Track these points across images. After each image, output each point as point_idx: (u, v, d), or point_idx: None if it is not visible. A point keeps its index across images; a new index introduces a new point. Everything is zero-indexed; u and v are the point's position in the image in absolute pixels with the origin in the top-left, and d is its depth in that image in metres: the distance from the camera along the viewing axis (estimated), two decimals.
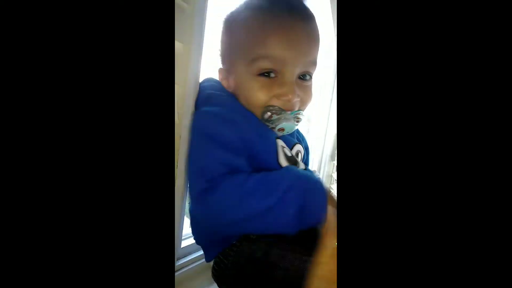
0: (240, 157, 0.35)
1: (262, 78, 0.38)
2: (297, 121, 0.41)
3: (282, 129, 0.40)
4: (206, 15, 0.36)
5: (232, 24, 0.40)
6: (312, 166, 0.90)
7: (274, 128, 0.40)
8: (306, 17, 0.38)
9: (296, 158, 0.42)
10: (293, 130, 0.42)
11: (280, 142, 0.40)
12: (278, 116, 0.39)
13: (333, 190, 0.89)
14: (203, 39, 0.37)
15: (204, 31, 0.37)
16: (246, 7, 0.39)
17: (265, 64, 0.37)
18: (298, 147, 0.46)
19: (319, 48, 0.41)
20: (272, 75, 0.38)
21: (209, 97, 0.39)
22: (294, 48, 0.37)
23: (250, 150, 0.36)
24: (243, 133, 0.36)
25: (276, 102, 0.38)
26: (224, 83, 0.43)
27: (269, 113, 0.39)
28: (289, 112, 0.39)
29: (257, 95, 0.38)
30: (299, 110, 0.40)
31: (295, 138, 0.49)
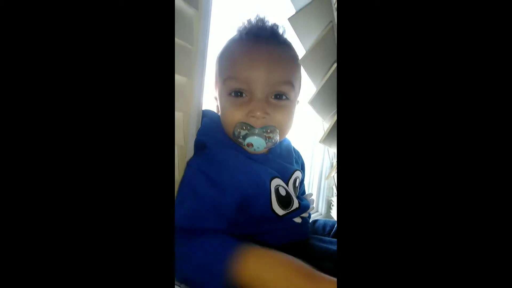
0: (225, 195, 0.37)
1: (233, 98, 0.41)
2: (269, 139, 0.41)
3: (250, 144, 0.41)
4: (207, 55, 0.43)
5: (217, 56, 0.47)
6: (313, 181, 0.94)
7: (243, 145, 0.41)
8: (272, 42, 0.42)
9: (291, 195, 0.44)
10: (264, 147, 0.42)
11: (276, 182, 0.43)
12: (246, 132, 0.40)
13: (334, 202, 0.92)
14: (204, 74, 0.43)
15: (205, 68, 0.43)
16: (227, 41, 0.46)
17: (233, 84, 0.41)
18: (297, 174, 0.48)
19: (296, 70, 0.45)
20: (244, 95, 0.41)
21: (203, 145, 0.43)
22: (257, 68, 0.40)
23: (242, 197, 0.39)
24: (234, 183, 0.38)
25: (247, 121, 0.41)
26: (216, 108, 0.49)
27: (238, 130, 0.41)
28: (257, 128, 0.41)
29: (230, 113, 0.42)
30: (269, 126, 0.41)
31: (293, 162, 0.51)
